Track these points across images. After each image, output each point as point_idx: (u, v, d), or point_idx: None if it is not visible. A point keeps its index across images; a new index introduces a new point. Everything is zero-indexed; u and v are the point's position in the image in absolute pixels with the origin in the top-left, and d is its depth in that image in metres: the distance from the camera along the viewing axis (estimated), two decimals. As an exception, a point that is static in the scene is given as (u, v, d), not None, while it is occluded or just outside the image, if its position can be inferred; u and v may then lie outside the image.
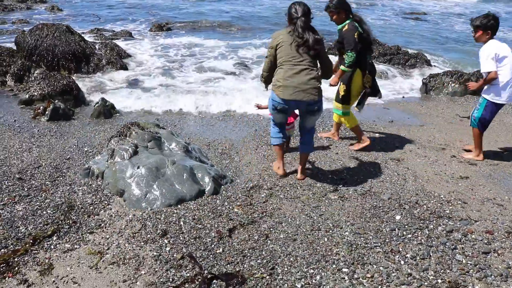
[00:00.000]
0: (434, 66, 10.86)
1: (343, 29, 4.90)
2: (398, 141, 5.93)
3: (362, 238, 3.49)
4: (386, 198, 4.17)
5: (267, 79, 4.35)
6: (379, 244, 3.41)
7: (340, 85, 5.23)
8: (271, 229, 3.55)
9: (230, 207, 3.88)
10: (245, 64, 10.12)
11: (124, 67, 9.56)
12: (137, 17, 16.63)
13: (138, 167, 4.06)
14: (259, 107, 5.50)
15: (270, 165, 4.91)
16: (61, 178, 4.46)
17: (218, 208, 3.86)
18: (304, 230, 3.56)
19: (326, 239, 3.45)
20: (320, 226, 3.62)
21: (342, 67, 4.94)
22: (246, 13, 18.59)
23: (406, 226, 3.69)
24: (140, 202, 3.85)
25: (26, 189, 4.15)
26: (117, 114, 6.85)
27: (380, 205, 4.03)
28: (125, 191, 3.96)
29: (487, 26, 4.80)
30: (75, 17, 15.86)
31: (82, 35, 10.60)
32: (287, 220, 3.70)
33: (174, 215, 3.72)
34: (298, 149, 4.63)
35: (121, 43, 11.28)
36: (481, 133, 5.26)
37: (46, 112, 6.74)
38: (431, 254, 3.32)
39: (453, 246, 3.42)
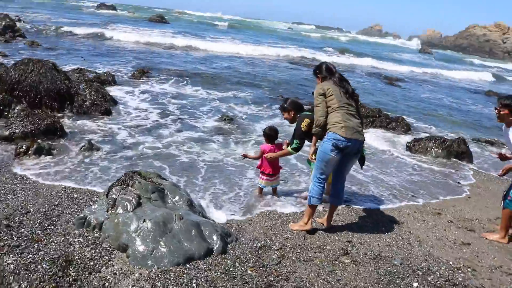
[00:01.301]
0: (414, 130, 11.20)
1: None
2: (394, 202, 5.92)
3: (384, 307, 3.34)
4: (398, 264, 4.07)
5: (323, 125, 4.50)
6: (403, 315, 3.27)
7: None
8: (291, 295, 3.35)
9: (243, 269, 3.67)
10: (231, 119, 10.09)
11: (108, 112, 9.31)
12: (117, 60, 16.54)
13: (144, 221, 3.81)
14: (245, 156, 5.71)
15: (272, 223, 4.75)
16: (52, 227, 4.12)
17: (230, 269, 3.64)
18: (324, 296, 3.39)
19: (348, 308, 3.28)
20: (340, 293, 3.46)
21: (289, 148, 5.26)
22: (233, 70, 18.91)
23: (425, 295, 3.57)
24: (146, 259, 3.57)
25: (16, 238, 3.79)
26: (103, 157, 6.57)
27: (394, 270, 3.92)
28: (128, 246, 3.68)
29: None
30: (56, 54, 15.59)
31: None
32: (305, 285, 3.51)
33: (185, 275, 3.46)
34: (329, 200, 4.78)
35: (105, 85, 11.09)
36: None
37: (29, 152, 6.40)
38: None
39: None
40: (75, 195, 5.01)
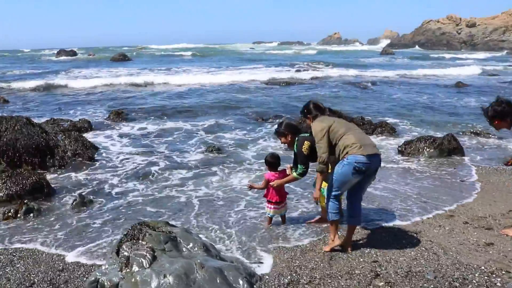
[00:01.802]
0: (400, 133, 11.26)
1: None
2: (403, 210, 5.82)
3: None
4: (432, 278, 3.93)
5: (328, 159, 4.49)
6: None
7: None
8: (337, 333, 3.15)
9: (279, 311, 3.44)
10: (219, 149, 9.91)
11: (92, 159, 8.99)
12: (88, 105, 16.19)
13: (164, 276, 3.55)
14: (252, 187, 5.56)
15: (292, 255, 4.55)
16: (64, 298, 3.82)
17: (267, 314, 3.41)
18: (372, 328, 3.19)
19: (400, 337, 3.09)
20: (386, 321, 3.28)
21: (294, 173, 5.13)
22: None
23: (471, 308, 3.43)
24: (175, 319, 3.31)
25: (28, 318, 3.48)
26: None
27: (432, 286, 3.77)
28: (153, 306, 3.41)
29: (503, 113, 4.53)
30: (27, 109, 15.15)
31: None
32: (348, 319, 3.32)
33: (221, 329, 3.22)
34: (348, 221, 4.64)
35: (83, 133, 10.76)
36: None
37: (18, 215, 6.06)
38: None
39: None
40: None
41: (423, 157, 8.80)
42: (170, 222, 4.63)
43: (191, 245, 4.15)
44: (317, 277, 4.00)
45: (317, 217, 5.58)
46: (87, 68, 32.45)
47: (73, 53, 52.02)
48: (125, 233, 4.21)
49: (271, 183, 5.29)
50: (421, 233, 5.09)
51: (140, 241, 4.01)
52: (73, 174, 7.99)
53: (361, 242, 4.84)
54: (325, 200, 5.25)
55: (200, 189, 7.08)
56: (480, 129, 11.19)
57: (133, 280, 3.64)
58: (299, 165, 5.08)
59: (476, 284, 3.81)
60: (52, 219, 5.88)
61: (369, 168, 4.32)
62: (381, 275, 4.01)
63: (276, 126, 5.59)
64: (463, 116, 13.94)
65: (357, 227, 5.15)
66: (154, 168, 8.27)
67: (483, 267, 4.13)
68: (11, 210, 6.16)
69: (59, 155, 8.81)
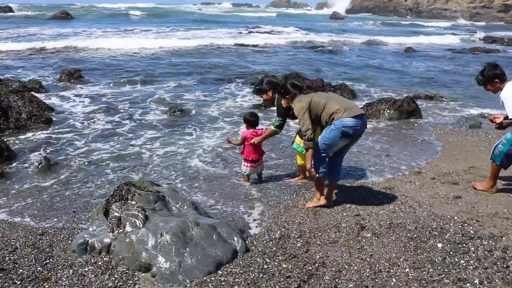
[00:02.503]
0: (359, 94, 11.55)
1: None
2: (375, 169, 6.07)
3: (424, 272, 3.41)
4: (413, 228, 4.17)
5: (313, 136, 4.41)
6: (443, 274, 3.37)
7: None
8: (337, 280, 3.30)
9: (276, 263, 3.54)
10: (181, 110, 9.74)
11: (49, 121, 8.56)
12: (36, 65, 15.22)
13: (161, 235, 3.52)
14: (229, 141, 5.65)
15: (276, 211, 4.65)
16: (51, 260, 3.70)
17: (265, 266, 3.49)
18: (367, 274, 3.37)
19: (394, 280, 3.30)
20: (380, 267, 3.47)
21: (272, 127, 5.29)
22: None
23: (452, 253, 3.70)
24: (176, 275, 3.32)
25: (19, 282, 3.35)
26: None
27: (414, 235, 4.01)
28: (151, 265, 3.40)
29: (490, 77, 4.82)
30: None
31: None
32: (344, 267, 3.48)
33: (223, 283, 3.27)
34: (328, 178, 4.70)
35: (36, 94, 10.15)
36: (500, 167, 5.05)
37: (-20, 181, 5.71)
38: (493, 276, 3.34)
39: (505, 265, 3.49)
40: (57, 218, 4.55)
41: (383, 119, 9.12)
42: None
43: (179, 203, 4.14)
44: (306, 231, 4.13)
45: (297, 177, 5.69)
46: (27, 26, 30.26)
47: (9, 9, 47.95)
48: (111, 193, 4.11)
49: (252, 140, 5.30)
50: (394, 188, 5.34)
51: (129, 201, 3.93)
52: (31, 137, 7.60)
53: (341, 197, 5.01)
54: (303, 158, 5.38)
55: (169, 148, 6.99)
56: (433, 93, 11.69)
57: (127, 240, 3.59)
58: (276, 118, 5.19)
59: (452, 232, 4.09)
60: (18, 183, 5.59)
61: (356, 131, 4.40)
62: (366, 227, 4.20)
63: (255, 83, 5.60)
64: (410, 79, 14.48)
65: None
66: (118, 130, 8.03)
67: (456, 217, 4.43)
68: (-30, 174, 5.80)
69: (13, 117, 8.30)
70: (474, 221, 4.35)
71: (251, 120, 5.46)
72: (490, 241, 3.91)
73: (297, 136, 5.44)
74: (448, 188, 5.36)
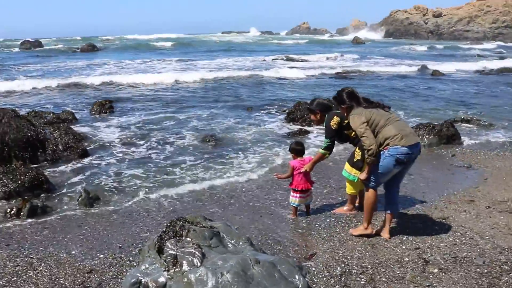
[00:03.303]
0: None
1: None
2: (423, 198, 5.85)
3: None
4: (482, 263, 3.93)
5: (376, 147, 4.34)
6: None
7: (356, 149, 5.08)
8: (413, 324, 3.08)
9: (344, 304, 3.34)
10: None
11: (86, 153, 8.58)
12: (68, 99, 15.49)
13: (221, 274, 3.37)
14: (278, 177, 5.47)
15: (331, 245, 4.46)
16: (105, 301, 3.58)
17: (332, 307, 3.30)
18: (444, 317, 3.15)
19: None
20: (456, 309, 3.24)
21: (320, 150, 5.15)
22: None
23: (531, 292, 3.44)
24: (239, 317, 3.15)
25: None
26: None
27: (485, 271, 3.77)
28: (213, 305, 3.24)
29: None
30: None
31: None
32: (417, 308, 3.26)
33: (291, 326, 3.08)
34: (386, 209, 4.61)
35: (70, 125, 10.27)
36: None
37: (22, 213, 5.68)
38: None
39: None
40: (102, 255, 4.46)
41: (423, 144, 8.87)
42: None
43: (234, 239, 3.98)
44: (368, 266, 3.93)
45: (346, 207, 5.50)
46: (56, 59, 31.18)
47: (39, 44, 49.25)
48: (164, 229, 3.99)
49: (303, 168, 5.16)
50: (449, 218, 5.10)
51: (184, 238, 3.80)
52: (69, 168, 7.62)
53: (395, 228, 4.79)
54: (354, 186, 5.21)
55: (211, 178, 6.90)
56: (470, 116, 11.39)
57: (185, 280, 3.44)
58: (324, 139, 5.11)
59: (525, 267, 3.83)
60: (60, 217, 5.54)
61: (411, 158, 4.34)
62: (430, 262, 3.98)
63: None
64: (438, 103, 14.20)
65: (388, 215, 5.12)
66: (154, 157, 8.01)
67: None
68: (13, 209, 5.78)
69: (50, 149, 8.37)
70: (543, 256, 4.08)
71: (298, 149, 5.34)
72: None
73: (347, 163, 5.27)
74: (507, 217, 5.09)
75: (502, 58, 33.60)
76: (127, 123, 11.02)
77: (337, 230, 4.90)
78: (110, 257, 4.43)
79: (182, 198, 6.15)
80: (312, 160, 5.22)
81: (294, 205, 5.37)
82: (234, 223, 5.17)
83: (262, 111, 12.74)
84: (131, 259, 4.37)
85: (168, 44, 52.75)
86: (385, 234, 4.60)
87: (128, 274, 3.85)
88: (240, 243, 3.93)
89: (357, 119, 4.39)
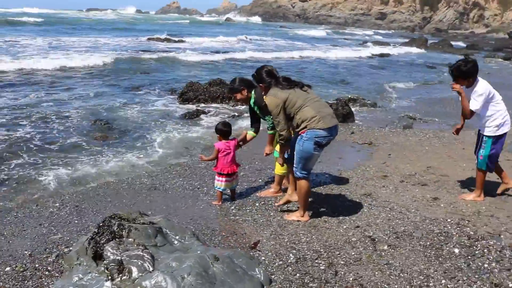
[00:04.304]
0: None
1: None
2: (340, 175, 6.02)
3: (460, 281, 3.35)
4: (420, 235, 4.13)
5: (289, 136, 4.37)
6: (478, 282, 3.35)
7: None
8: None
9: (313, 293, 3.19)
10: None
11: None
12: None
13: (182, 277, 2.96)
14: (202, 159, 5.27)
15: (272, 231, 4.30)
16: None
17: (303, 298, 3.13)
18: (410, 293, 3.20)
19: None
20: (419, 283, 3.32)
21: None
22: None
23: (470, 257, 3.71)
24: (210, 323, 2.80)
25: None
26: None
27: (428, 243, 3.96)
28: (177, 314, 2.83)
29: (467, 73, 4.77)
30: None
31: None
32: (383, 287, 3.25)
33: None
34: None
35: None
36: (486, 173, 5.03)
37: None
38: (521, 278, 3.39)
39: (524, 264, 3.58)
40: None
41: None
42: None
43: (179, 235, 3.59)
44: (321, 250, 3.84)
45: (272, 190, 5.37)
46: None
47: None
48: (96, 230, 3.39)
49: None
50: (372, 194, 5.29)
51: (125, 239, 3.28)
52: None
53: (327, 208, 4.82)
54: (280, 167, 5.09)
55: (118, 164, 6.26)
56: (356, 96, 12.12)
57: (138, 288, 2.95)
58: (267, 118, 4.87)
59: (457, 235, 4.12)
60: None
61: (329, 140, 4.29)
62: (376, 239, 4.05)
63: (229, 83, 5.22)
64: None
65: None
66: (44, 140, 6.97)
67: (448, 219, 4.50)
68: None
69: None
70: (466, 221, 4.45)
71: (225, 131, 5.03)
72: (494, 241, 3.99)
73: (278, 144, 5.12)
74: (420, 190, 5.46)
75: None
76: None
77: (271, 214, 4.75)
78: (21, 269, 3.66)
79: (88, 189, 5.46)
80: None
81: (219, 189, 5.07)
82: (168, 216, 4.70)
83: (152, 92, 12.06)
84: (49, 268, 3.66)
85: (34, 20, 45.64)
86: (293, 196, 4.71)
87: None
88: (186, 238, 3.58)
89: (273, 100, 4.27)
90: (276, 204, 4.89)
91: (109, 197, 5.35)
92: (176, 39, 29.94)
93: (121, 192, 5.50)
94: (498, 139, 4.94)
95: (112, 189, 5.58)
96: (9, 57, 16.53)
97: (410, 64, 22.90)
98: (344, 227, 4.36)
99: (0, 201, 5.09)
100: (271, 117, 4.61)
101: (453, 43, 37.20)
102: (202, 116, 9.69)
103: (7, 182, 5.66)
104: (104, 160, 6.65)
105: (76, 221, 4.66)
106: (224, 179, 5.00)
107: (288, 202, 4.82)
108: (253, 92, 4.97)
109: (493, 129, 4.90)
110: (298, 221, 4.49)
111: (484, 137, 5.00)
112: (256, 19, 76.06)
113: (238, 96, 5.03)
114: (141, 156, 6.93)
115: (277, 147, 5.07)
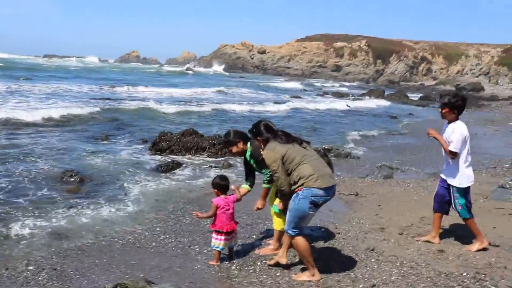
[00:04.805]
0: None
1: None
2: (336, 229, 5.81)
3: None
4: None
5: (289, 188, 4.17)
6: None
7: None
8: None
9: None
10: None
11: None
12: None
13: None
14: (199, 216, 4.80)
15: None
16: None
17: None
18: None
19: None
20: None
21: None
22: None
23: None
24: None
25: None
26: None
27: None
28: None
29: (454, 106, 4.87)
30: None
31: None
32: None
33: None
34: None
35: None
36: (473, 218, 5.01)
37: None
38: None
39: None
40: None
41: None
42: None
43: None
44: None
45: (271, 247, 5.04)
46: None
47: None
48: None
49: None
50: (375, 249, 5.06)
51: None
52: None
53: (333, 264, 4.58)
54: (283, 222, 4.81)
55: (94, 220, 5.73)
56: (331, 146, 12.15)
57: None
58: (264, 171, 4.74)
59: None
60: None
61: (326, 200, 4.18)
62: (398, 301, 3.78)
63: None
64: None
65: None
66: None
67: (464, 273, 4.34)
68: None
69: None
70: (482, 275, 4.30)
71: (223, 185, 4.74)
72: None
73: (277, 198, 4.86)
74: (423, 242, 5.30)
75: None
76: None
77: (278, 274, 4.44)
78: None
79: (65, 248, 4.99)
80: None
81: (218, 249, 4.70)
82: (159, 280, 4.25)
83: (121, 141, 11.62)
84: None
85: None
86: (282, 259, 4.49)
87: None
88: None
89: (271, 155, 4.17)
90: (268, 263, 4.59)
91: (91, 257, 4.87)
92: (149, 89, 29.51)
93: (103, 251, 5.03)
94: (466, 190, 4.99)
95: (93, 248, 5.09)
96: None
97: (373, 115, 23.59)
98: (360, 286, 4.08)
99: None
100: (268, 170, 4.51)
101: (408, 94, 38.97)
102: (177, 167, 9.28)
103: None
104: (79, 214, 6.15)
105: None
106: (223, 237, 4.65)
107: (278, 264, 4.52)
108: (249, 145, 4.83)
109: (465, 180, 4.93)
110: (309, 281, 4.17)
111: (454, 188, 4.98)
112: (219, 68, 77.36)
113: (234, 149, 4.87)
114: (119, 210, 6.49)
115: (276, 201, 4.81)
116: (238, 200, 4.79)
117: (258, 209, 5.00)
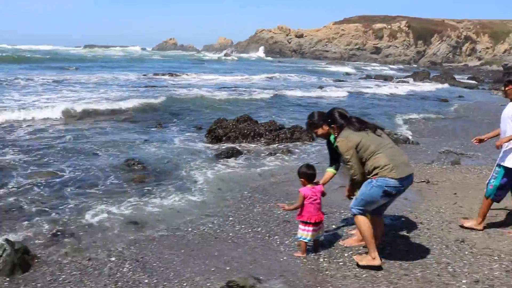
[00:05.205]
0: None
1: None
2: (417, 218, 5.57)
3: None
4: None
5: (361, 177, 4.10)
6: None
7: None
8: None
9: None
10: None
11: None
12: None
13: None
14: (285, 208, 4.69)
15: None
16: None
17: None
18: None
19: None
20: None
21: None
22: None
23: None
24: None
25: None
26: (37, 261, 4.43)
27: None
28: None
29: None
30: None
31: None
32: None
33: None
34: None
35: None
36: (491, 203, 5.05)
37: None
38: None
39: None
40: None
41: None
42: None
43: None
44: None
45: (356, 237, 4.87)
46: None
47: None
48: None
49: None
50: (466, 241, 4.82)
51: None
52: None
53: (427, 259, 4.35)
54: None
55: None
56: (389, 131, 11.76)
57: None
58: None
59: None
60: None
61: (400, 191, 4.07)
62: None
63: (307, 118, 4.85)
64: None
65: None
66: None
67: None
68: None
69: None
70: None
71: (310, 174, 4.57)
72: None
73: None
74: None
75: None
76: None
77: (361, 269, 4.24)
78: None
79: (141, 238, 5.00)
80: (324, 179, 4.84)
81: (305, 240, 4.56)
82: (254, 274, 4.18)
83: (177, 129, 11.69)
84: None
85: (42, 57, 45.14)
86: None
87: None
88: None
89: (344, 144, 4.07)
90: (356, 260, 4.32)
91: (170, 248, 4.81)
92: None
93: (181, 242, 4.97)
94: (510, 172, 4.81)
95: (169, 239, 5.05)
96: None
97: (421, 97, 22.81)
98: (463, 281, 3.87)
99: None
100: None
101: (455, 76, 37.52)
102: (238, 155, 9.18)
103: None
104: (149, 203, 6.18)
105: (146, 281, 4.10)
106: (311, 228, 4.51)
107: (370, 267, 4.23)
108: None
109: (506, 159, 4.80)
110: (369, 266, 4.13)
111: (497, 166, 4.93)
112: (260, 53, 76.55)
113: (319, 131, 4.71)
114: (186, 199, 6.45)
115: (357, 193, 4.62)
116: (323, 193, 4.62)
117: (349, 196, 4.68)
